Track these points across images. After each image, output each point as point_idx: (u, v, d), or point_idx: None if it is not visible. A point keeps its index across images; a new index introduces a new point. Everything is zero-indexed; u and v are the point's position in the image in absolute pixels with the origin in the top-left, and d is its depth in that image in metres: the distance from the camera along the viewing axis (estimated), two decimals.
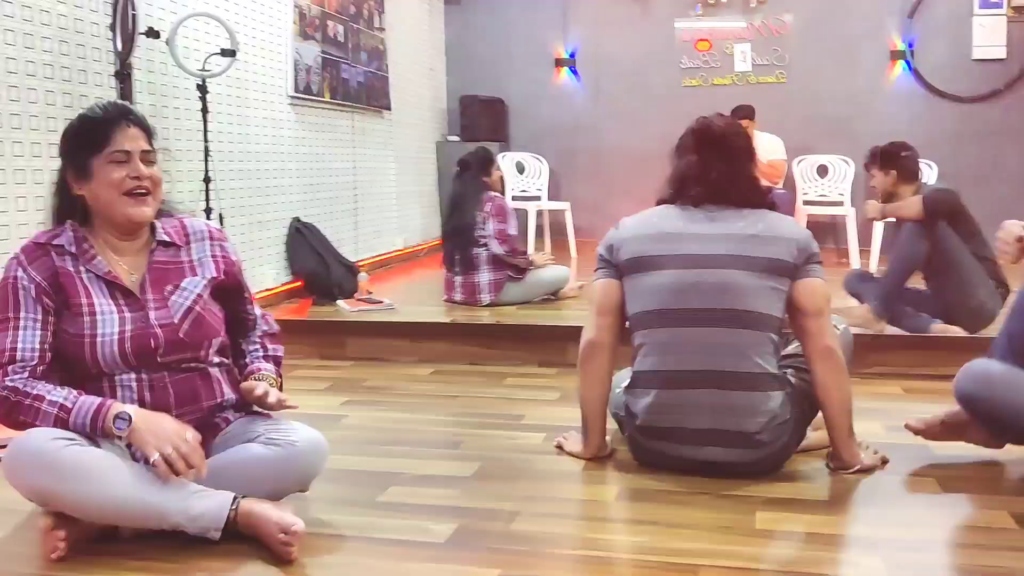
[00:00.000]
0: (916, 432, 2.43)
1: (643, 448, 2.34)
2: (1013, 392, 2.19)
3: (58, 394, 1.83)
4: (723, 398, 2.19)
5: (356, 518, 2.07)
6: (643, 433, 2.30)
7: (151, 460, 1.78)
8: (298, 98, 5.11)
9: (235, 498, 1.84)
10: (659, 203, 2.40)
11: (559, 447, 2.51)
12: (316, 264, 4.84)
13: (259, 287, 4.47)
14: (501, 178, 5.00)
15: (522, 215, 6.96)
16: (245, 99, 4.59)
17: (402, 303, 4.37)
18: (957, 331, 3.56)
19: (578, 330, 2.44)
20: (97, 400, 1.84)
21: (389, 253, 6.38)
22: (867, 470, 2.30)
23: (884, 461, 2.37)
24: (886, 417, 2.77)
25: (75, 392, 1.85)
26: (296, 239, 4.92)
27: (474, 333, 3.91)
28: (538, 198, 7.10)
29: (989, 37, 6.77)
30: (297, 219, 5.01)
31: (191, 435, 1.83)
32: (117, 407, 1.82)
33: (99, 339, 1.90)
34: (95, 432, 1.82)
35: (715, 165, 2.29)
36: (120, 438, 1.81)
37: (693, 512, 2.07)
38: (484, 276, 4.41)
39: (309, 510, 2.12)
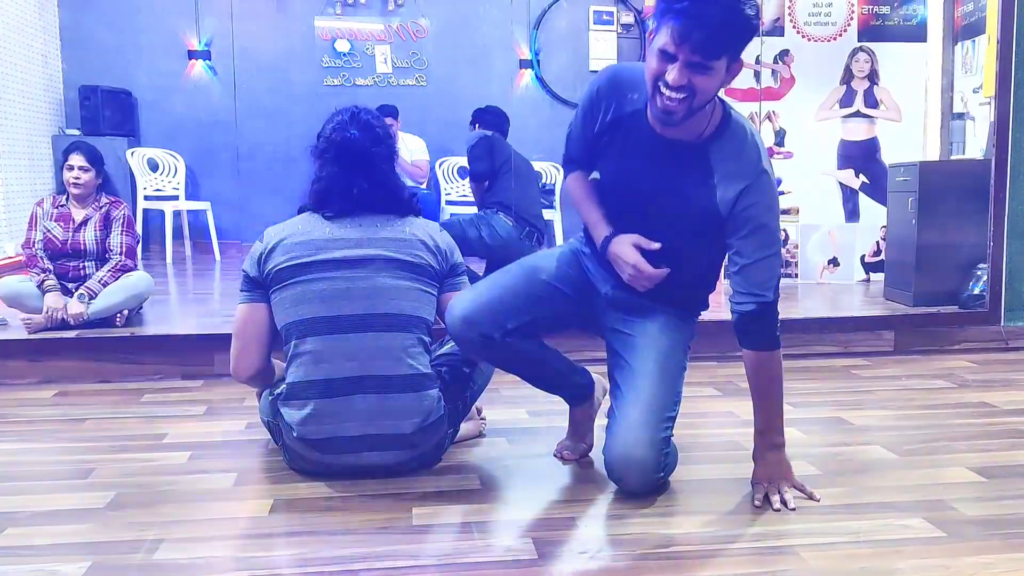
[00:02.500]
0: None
1: (300, 458, 2.27)
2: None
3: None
4: (379, 403, 2.19)
5: None
6: (300, 444, 2.23)
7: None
8: None
9: None
10: (301, 210, 2.33)
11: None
12: None
13: None
14: None
15: (156, 216, 6.52)
16: None
17: (15, 317, 3.86)
18: None
19: (226, 338, 2.31)
20: None
21: None
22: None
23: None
24: (529, 403, 2.94)
25: None
26: None
27: (105, 347, 3.55)
28: (175, 197, 6.68)
29: (603, 50, 7.50)
30: None
31: None
32: None
33: None
34: None
35: (357, 181, 2.26)
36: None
37: (349, 516, 2.04)
38: None
39: None
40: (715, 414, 2.91)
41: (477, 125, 5.00)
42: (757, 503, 2.10)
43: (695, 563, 1.81)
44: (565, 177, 2.34)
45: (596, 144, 2.18)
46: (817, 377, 3.47)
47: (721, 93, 2.00)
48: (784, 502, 2.08)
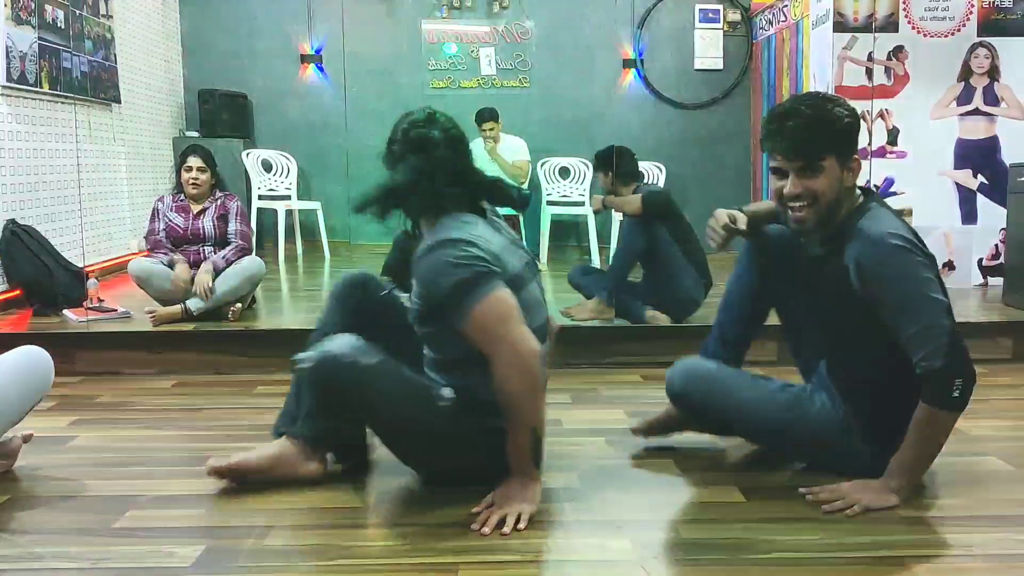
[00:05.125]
0: (638, 433, 2.53)
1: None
2: (715, 388, 2.34)
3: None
4: None
5: (89, 547, 1.90)
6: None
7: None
8: (11, 88, 4.62)
9: None
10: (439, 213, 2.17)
11: None
12: (37, 271, 4.39)
13: None
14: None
15: (269, 215, 6.75)
16: None
17: (138, 311, 4.06)
18: (665, 319, 3.87)
19: None
20: None
21: (122, 257, 5.92)
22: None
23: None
24: (627, 404, 2.93)
25: None
26: (12, 244, 4.44)
27: (221, 341, 3.71)
28: (287, 197, 6.90)
29: (708, 49, 7.38)
30: (13, 221, 4.53)
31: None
32: None
33: None
34: None
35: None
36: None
37: (449, 510, 2.07)
38: None
39: (37, 542, 1.92)
40: None
41: (609, 176, 4.28)
42: (807, 496, 2.11)
43: (798, 570, 1.78)
44: None
45: None
46: None
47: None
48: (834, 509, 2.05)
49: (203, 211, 4.11)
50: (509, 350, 1.96)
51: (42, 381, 2.39)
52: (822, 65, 5.17)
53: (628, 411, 2.88)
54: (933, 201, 4.95)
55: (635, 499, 2.19)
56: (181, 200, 4.14)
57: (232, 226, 4.14)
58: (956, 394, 1.97)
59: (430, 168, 2.12)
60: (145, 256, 4.21)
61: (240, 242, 4.11)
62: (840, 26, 4.93)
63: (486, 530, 1.94)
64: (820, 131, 2.02)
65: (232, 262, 4.02)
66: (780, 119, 2.06)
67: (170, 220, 4.10)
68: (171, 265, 4.00)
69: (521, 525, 1.95)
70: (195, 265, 4.04)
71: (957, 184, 4.98)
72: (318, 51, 7.37)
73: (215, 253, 4.07)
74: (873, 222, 2.05)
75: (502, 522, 1.96)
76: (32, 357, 2.38)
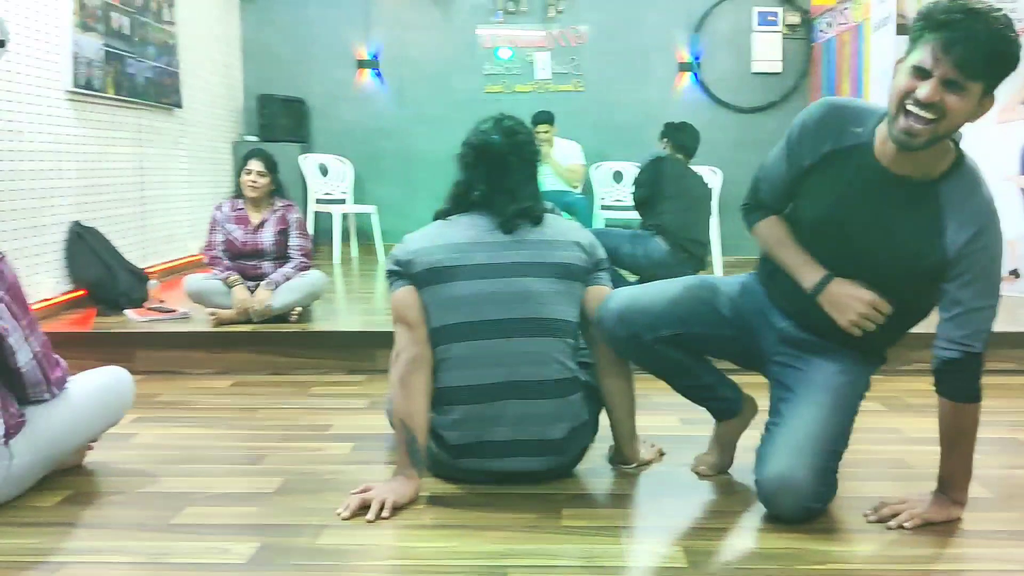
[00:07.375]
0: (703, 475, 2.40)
1: (448, 467, 2.27)
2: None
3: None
4: (526, 408, 2.17)
5: (148, 543, 1.94)
6: (450, 452, 2.23)
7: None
8: (78, 93, 4.75)
9: None
10: (437, 216, 2.34)
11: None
12: (100, 272, 4.51)
13: (36, 297, 4.11)
14: None
15: (326, 218, 6.84)
16: (16, 93, 4.21)
17: (197, 311, 4.14)
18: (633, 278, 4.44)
19: (387, 335, 2.37)
20: None
21: (182, 259, 6.05)
22: (646, 464, 2.43)
23: (661, 453, 2.51)
24: (681, 410, 2.90)
25: None
26: (77, 245, 4.57)
27: (277, 341, 3.76)
28: (343, 201, 6.98)
29: (766, 52, 7.30)
30: (77, 223, 4.66)
31: None
32: None
33: None
34: None
35: (495, 186, 2.24)
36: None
37: (500, 513, 2.08)
38: None
39: (96, 536, 1.97)
40: (880, 430, 2.78)
41: (666, 141, 4.92)
42: (870, 517, 2.03)
43: None
44: (751, 224, 2.24)
45: (800, 184, 2.08)
46: (992, 395, 3.22)
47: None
48: (900, 525, 1.99)
49: (263, 223, 4.15)
50: (393, 348, 2.22)
51: (123, 403, 2.48)
52: (884, 69, 5.07)
53: (681, 418, 2.85)
54: (998, 207, 4.82)
55: (687, 507, 2.17)
56: (239, 208, 4.18)
57: (293, 241, 4.17)
58: (979, 385, 1.94)
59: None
60: (201, 272, 4.25)
61: (301, 259, 4.15)
62: (903, 29, 4.84)
63: (345, 513, 2.06)
64: (997, 52, 1.73)
65: (291, 279, 4.06)
66: (972, 17, 1.71)
67: (229, 232, 4.13)
68: (227, 283, 4.03)
69: (385, 513, 2.05)
70: (252, 279, 4.08)
71: (1023, 190, 4.85)
72: (375, 56, 7.45)
73: (274, 268, 4.12)
74: (983, 180, 1.94)
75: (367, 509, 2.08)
76: (117, 379, 2.48)
